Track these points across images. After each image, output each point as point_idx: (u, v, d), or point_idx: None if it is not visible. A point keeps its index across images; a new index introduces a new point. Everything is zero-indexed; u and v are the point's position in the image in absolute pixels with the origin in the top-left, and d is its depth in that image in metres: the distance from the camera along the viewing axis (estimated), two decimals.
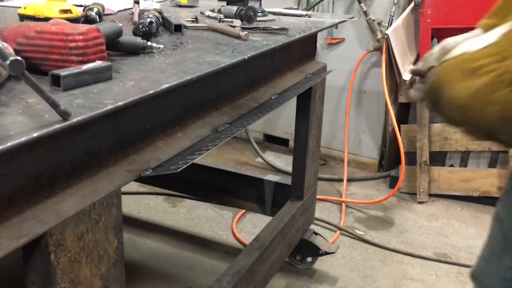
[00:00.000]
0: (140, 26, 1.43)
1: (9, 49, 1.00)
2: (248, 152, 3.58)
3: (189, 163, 1.15)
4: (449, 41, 0.84)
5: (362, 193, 3.16)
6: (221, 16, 1.88)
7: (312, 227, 2.38)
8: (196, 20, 1.83)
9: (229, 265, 1.76)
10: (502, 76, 0.65)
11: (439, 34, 3.09)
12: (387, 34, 2.84)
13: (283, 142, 3.73)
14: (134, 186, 3.04)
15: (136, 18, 1.68)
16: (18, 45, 1.07)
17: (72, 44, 1.05)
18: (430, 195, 3.10)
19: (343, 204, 2.99)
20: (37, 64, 1.07)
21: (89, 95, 0.98)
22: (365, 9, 3.10)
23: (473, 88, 0.66)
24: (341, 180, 3.21)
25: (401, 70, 2.93)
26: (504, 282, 1.18)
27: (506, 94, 0.65)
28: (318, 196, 2.56)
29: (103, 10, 1.67)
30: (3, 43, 0.99)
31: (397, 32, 2.93)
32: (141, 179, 1.27)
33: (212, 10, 1.96)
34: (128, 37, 1.33)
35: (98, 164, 1.02)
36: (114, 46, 1.27)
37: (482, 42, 0.70)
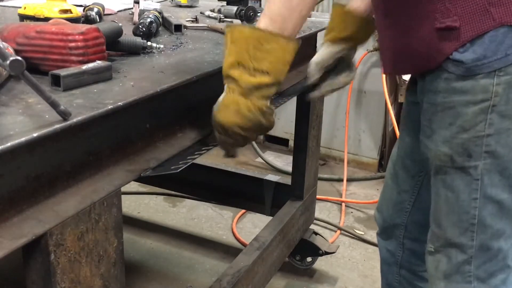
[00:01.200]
0: (140, 26, 1.43)
1: (9, 49, 1.00)
2: (248, 152, 3.58)
3: (189, 163, 1.15)
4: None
5: (362, 193, 3.16)
6: (221, 16, 1.88)
7: (312, 227, 2.38)
8: (196, 20, 1.83)
9: (229, 265, 1.76)
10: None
11: None
12: None
13: (283, 142, 3.73)
14: (134, 186, 3.04)
15: (136, 18, 1.69)
16: (18, 45, 1.07)
17: (72, 44, 1.05)
18: None
19: (343, 204, 2.99)
20: (37, 64, 1.07)
21: (89, 95, 0.98)
22: None
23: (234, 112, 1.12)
24: (341, 180, 3.21)
25: None
26: (396, 206, 1.50)
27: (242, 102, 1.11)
28: (318, 196, 2.56)
29: (103, 10, 1.68)
30: (3, 43, 0.99)
31: None
32: (141, 179, 1.27)
33: (212, 10, 1.96)
34: (128, 37, 1.33)
35: (98, 164, 1.02)
36: (114, 46, 1.27)
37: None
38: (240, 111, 1.11)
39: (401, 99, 3.10)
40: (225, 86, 1.14)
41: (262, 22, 1.09)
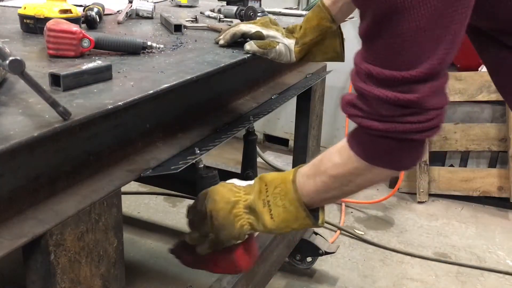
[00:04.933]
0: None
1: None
2: None
3: (189, 163, 1.15)
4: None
5: (362, 193, 3.15)
6: (221, 16, 1.88)
7: None
8: (196, 20, 1.83)
9: None
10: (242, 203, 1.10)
11: None
12: None
13: (283, 142, 3.73)
14: (134, 186, 3.04)
15: (121, 17, 1.69)
16: None
17: None
18: (430, 195, 3.10)
19: (343, 204, 2.99)
20: None
21: (89, 95, 0.98)
22: None
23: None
24: None
25: None
26: None
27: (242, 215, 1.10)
28: None
29: (103, 10, 1.68)
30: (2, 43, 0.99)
31: None
32: (141, 179, 1.27)
33: (212, 10, 1.96)
34: (128, 37, 1.33)
35: (98, 164, 1.02)
36: (114, 46, 1.27)
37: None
38: None
39: None
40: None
41: None
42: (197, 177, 1.34)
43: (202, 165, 1.30)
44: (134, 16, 1.81)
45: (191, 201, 1.32)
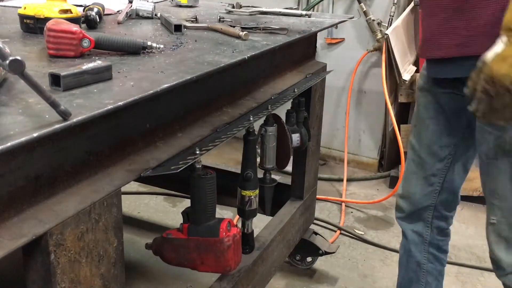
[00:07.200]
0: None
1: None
2: None
3: (189, 163, 1.15)
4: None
5: (362, 193, 3.16)
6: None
7: (312, 227, 2.37)
8: (196, 20, 1.83)
9: None
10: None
11: None
12: (387, 34, 2.84)
13: None
14: (134, 186, 3.04)
15: (121, 17, 1.69)
16: None
17: None
18: None
19: (343, 204, 2.99)
20: None
21: (89, 95, 0.98)
22: (365, 9, 3.10)
23: None
24: (341, 180, 3.21)
25: (401, 70, 2.93)
26: (424, 190, 1.64)
27: None
28: (318, 196, 2.56)
29: (103, 10, 1.68)
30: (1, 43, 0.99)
31: (397, 32, 2.93)
32: (141, 179, 1.28)
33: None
34: (128, 37, 1.33)
35: (98, 164, 1.02)
36: (114, 46, 1.28)
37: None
38: None
39: (401, 99, 3.10)
40: (505, 39, 1.08)
41: None
42: (194, 177, 1.35)
43: (200, 165, 1.30)
44: (134, 16, 1.81)
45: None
